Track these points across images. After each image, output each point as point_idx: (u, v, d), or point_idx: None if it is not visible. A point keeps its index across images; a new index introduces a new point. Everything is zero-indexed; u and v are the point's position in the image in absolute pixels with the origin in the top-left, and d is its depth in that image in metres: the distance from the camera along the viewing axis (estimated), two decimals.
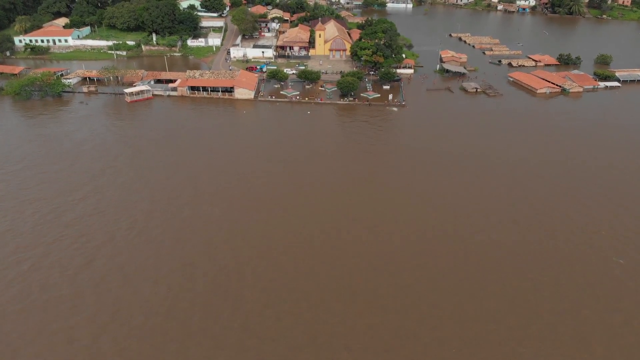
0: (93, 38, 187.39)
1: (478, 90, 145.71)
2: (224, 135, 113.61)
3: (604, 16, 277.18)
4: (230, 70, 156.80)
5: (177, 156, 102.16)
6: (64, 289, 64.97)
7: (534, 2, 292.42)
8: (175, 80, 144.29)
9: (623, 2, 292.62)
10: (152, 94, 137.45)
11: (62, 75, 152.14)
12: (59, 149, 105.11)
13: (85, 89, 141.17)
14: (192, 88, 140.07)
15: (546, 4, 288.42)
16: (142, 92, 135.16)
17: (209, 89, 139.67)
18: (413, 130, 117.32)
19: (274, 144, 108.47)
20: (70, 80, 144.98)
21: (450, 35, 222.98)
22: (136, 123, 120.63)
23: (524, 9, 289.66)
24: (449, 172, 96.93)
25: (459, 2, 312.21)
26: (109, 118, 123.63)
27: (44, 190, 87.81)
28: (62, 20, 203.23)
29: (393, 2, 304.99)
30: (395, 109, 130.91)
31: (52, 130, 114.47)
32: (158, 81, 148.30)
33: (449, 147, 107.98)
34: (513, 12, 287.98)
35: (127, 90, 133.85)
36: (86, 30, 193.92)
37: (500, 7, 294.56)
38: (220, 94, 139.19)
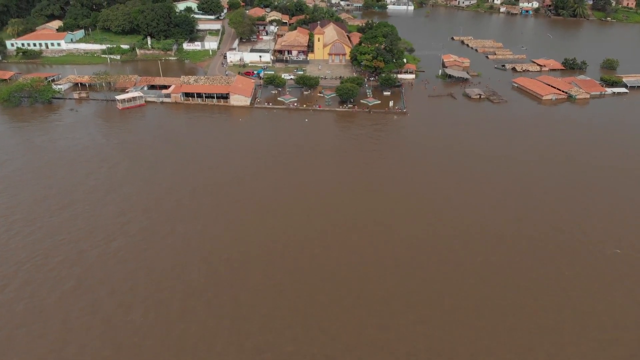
0: (86, 42, 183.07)
1: (482, 96, 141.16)
2: (217, 145, 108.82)
3: (608, 19, 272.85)
4: (227, 75, 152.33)
5: (166, 168, 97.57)
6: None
7: (537, 4, 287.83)
8: (169, 86, 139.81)
9: (628, 4, 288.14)
10: (145, 101, 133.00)
11: (53, 80, 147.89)
12: (38, 159, 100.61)
13: (76, 95, 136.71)
14: (187, 94, 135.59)
15: (549, 6, 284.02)
16: (134, 98, 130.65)
17: (204, 95, 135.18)
18: (415, 140, 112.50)
19: (269, 155, 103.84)
20: (61, 86, 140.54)
21: (452, 38, 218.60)
22: (126, 132, 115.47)
23: (526, 11, 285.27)
24: (454, 186, 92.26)
25: (461, 4, 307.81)
26: (97, 126, 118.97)
27: (15, 199, 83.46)
28: (56, 23, 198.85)
29: (394, 4, 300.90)
30: (395, 117, 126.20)
31: (35, 139, 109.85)
32: (152, 87, 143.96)
33: (453, 158, 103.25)
34: (516, 14, 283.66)
35: (119, 97, 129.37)
36: (80, 33, 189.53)
37: (502, 9, 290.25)
38: (215, 100, 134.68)
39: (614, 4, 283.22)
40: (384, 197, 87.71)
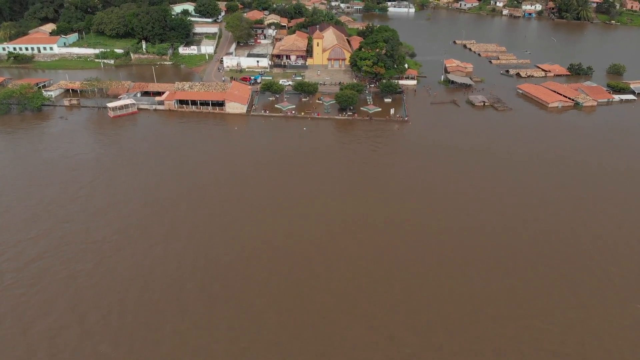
0: (80, 45, 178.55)
1: (486, 104, 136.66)
2: (211, 156, 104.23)
3: (612, 22, 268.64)
4: (223, 81, 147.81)
5: (156, 181, 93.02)
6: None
7: (540, 7, 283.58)
8: (163, 93, 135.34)
9: (632, 7, 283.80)
10: (138, 108, 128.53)
11: (44, 86, 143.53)
12: (18, 172, 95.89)
13: (66, 102, 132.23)
14: (181, 102, 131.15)
15: (553, 8, 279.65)
16: (126, 106, 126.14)
17: (199, 103, 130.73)
18: (418, 151, 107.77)
19: (265, 167, 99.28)
20: (51, 93, 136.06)
21: (454, 42, 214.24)
22: (115, 142, 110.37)
23: (529, 13, 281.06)
24: (458, 201, 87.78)
25: (463, 6, 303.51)
26: (86, 136, 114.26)
27: None
28: (49, 27, 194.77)
29: (395, 7, 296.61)
30: (397, 127, 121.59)
31: (20, 150, 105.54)
32: (145, 93, 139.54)
33: (458, 171, 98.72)
34: (519, 17, 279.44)
35: (110, 105, 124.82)
36: (73, 37, 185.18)
37: (505, 12, 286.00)
38: (210, 108, 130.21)
39: (618, 6, 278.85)
40: (386, 212, 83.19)
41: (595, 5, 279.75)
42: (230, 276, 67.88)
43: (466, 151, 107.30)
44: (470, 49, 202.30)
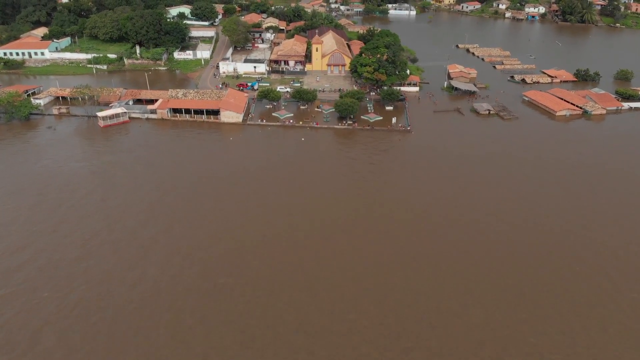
0: (72, 50, 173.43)
1: (491, 112, 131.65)
2: (204, 169, 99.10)
3: (617, 25, 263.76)
4: (220, 88, 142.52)
5: (146, 197, 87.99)
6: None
7: (544, 9, 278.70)
8: (156, 100, 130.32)
9: (637, 9, 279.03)
10: (129, 117, 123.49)
11: (33, 93, 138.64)
12: None
13: (55, 111, 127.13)
14: (174, 110, 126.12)
15: (556, 11, 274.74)
16: (117, 115, 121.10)
17: (193, 111, 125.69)
18: (421, 166, 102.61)
19: (261, 182, 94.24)
20: (40, 101, 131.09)
21: (457, 46, 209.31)
22: (104, 154, 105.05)
23: (533, 16, 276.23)
24: (466, 227, 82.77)
25: (465, 9, 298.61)
26: (73, 147, 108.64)
27: None
28: (42, 31, 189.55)
29: (395, 9, 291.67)
30: (399, 138, 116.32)
31: None
32: (138, 101, 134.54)
33: (464, 186, 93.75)
34: (522, 19, 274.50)
35: (100, 114, 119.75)
36: (65, 41, 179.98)
37: (508, 14, 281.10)
38: (205, 116, 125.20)
39: (622, 9, 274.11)
40: (387, 230, 78.20)
41: (599, 7, 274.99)
42: (227, 296, 62.90)
43: (472, 165, 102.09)
44: (473, 54, 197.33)
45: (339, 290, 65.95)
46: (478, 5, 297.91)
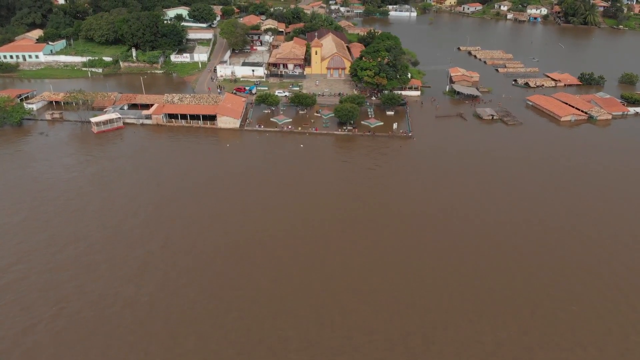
0: (67, 53, 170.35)
1: (494, 117, 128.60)
2: (198, 178, 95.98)
3: (620, 26, 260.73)
4: (218, 93, 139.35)
5: (141, 208, 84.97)
6: None
7: (546, 11, 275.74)
8: (152, 105, 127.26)
9: None
10: (124, 123, 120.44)
11: (27, 98, 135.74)
12: None
13: (48, 117, 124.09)
14: (170, 115, 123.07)
15: (559, 13, 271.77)
16: (111, 120, 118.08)
17: (189, 117, 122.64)
18: (424, 176, 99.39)
19: (256, 192, 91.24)
20: (33, 105, 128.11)
21: (458, 48, 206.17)
22: (97, 162, 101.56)
23: (535, 18, 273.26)
24: (470, 240, 79.74)
25: (466, 10, 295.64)
26: (65, 154, 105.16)
27: None
28: (37, 33, 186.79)
29: (396, 11, 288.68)
30: (400, 146, 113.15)
31: None
32: (133, 105, 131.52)
33: (468, 201, 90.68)
34: (524, 21, 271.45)
35: (94, 120, 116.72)
36: (60, 44, 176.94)
37: (510, 16, 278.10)
38: (201, 122, 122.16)
39: (625, 11, 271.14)
40: (387, 241, 75.14)
41: (602, 9, 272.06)
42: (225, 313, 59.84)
43: (477, 174, 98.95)
44: (475, 56, 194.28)
45: (352, 316, 62.85)
46: (479, 7, 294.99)
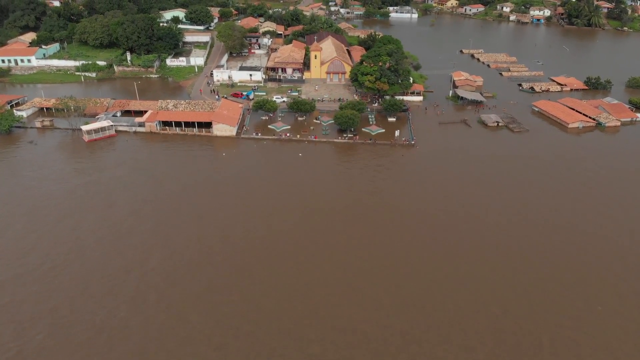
0: (60, 57, 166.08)
1: (499, 124, 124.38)
2: (191, 192, 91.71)
3: (624, 28, 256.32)
4: (216, 99, 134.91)
5: (131, 228, 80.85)
6: None
7: (549, 12, 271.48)
8: (145, 112, 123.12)
9: None
10: (116, 131, 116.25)
11: (17, 104, 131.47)
12: None
13: (38, 124, 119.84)
14: (164, 123, 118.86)
15: (562, 14, 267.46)
16: (102, 129, 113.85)
17: (183, 124, 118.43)
18: (427, 185, 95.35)
19: (250, 208, 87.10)
20: (23, 112, 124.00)
21: (461, 51, 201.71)
22: (83, 173, 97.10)
23: (538, 19, 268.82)
24: (478, 258, 75.62)
25: (468, 11, 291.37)
26: (51, 164, 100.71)
27: None
28: (30, 36, 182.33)
29: (397, 12, 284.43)
30: (402, 155, 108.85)
31: None
32: (127, 112, 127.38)
33: (474, 217, 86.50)
34: (527, 23, 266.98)
35: (85, 128, 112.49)
36: (53, 48, 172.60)
37: (512, 17, 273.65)
38: (196, 130, 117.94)
39: (629, 12, 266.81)
40: (390, 262, 71.02)
41: (606, 10, 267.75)
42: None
43: (483, 185, 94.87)
44: (478, 59, 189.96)
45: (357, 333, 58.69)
46: (481, 8, 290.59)
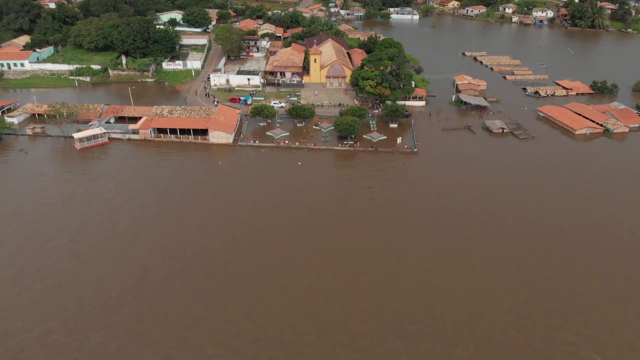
0: (54, 61, 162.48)
1: (505, 130, 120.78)
2: (187, 202, 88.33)
3: (628, 30, 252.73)
4: (214, 104, 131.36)
5: (104, 238, 77.29)
6: None
7: (552, 13, 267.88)
8: (140, 118, 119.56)
9: None
10: (109, 138, 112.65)
11: (9, 110, 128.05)
12: None
13: (29, 131, 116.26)
14: (159, 130, 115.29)
15: (565, 15, 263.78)
16: (95, 136, 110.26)
17: (178, 131, 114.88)
18: (431, 200, 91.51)
19: (246, 222, 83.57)
20: (14, 119, 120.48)
21: (463, 54, 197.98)
22: (72, 183, 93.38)
23: (541, 21, 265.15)
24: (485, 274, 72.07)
25: (469, 13, 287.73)
26: (42, 174, 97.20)
27: None
28: (24, 39, 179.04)
29: (398, 14, 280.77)
30: (405, 163, 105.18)
31: None
32: (121, 118, 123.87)
33: (480, 230, 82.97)
34: (529, 24, 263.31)
35: (77, 135, 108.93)
36: (47, 51, 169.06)
37: (515, 18, 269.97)
38: (192, 137, 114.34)
39: (633, 14, 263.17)
40: (389, 272, 67.46)
41: (609, 12, 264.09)
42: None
43: (490, 196, 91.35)
44: (481, 62, 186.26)
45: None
46: (483, 9, 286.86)
